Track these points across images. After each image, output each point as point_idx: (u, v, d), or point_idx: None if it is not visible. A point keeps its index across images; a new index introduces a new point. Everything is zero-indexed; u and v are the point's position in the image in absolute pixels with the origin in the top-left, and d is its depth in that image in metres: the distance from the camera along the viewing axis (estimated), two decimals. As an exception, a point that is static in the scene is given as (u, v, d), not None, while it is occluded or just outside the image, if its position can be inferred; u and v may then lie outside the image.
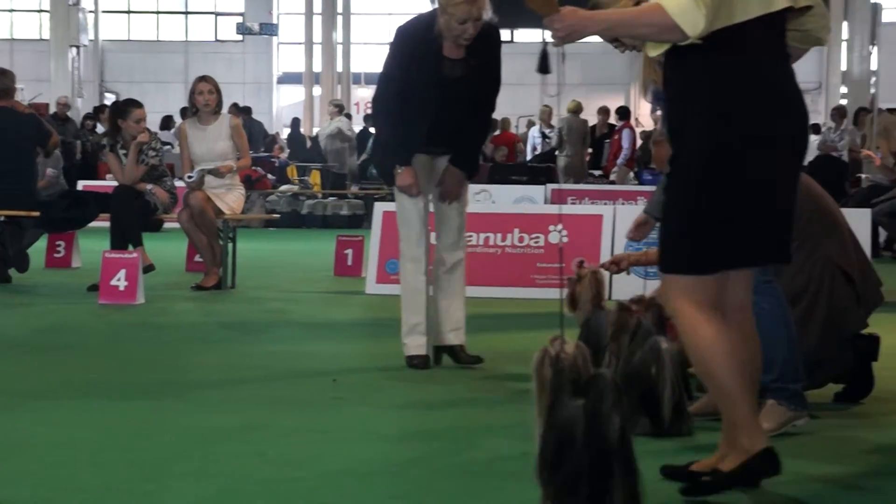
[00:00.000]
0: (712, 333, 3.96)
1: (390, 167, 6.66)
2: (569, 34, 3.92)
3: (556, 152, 20.93)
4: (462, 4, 6.30)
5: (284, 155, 26.66)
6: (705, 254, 3.97)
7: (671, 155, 4.08)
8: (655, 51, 4.00)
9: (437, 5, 6.44)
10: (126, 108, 10.98)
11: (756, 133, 3.92)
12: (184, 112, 25.35)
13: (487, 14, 6.39)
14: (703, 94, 3.93)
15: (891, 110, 19.06)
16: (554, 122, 22.54)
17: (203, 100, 10.72)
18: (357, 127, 26.16)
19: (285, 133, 30.44)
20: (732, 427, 4.04)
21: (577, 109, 21.05)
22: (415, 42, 6.49)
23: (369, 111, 32.37)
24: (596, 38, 4.24)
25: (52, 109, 22.91)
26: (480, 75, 6.56)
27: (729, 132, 3.90)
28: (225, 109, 11.39)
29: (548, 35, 3.98)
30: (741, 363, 4.00)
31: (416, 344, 6.74)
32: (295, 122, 29.40)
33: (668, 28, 3.82)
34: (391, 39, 6.67)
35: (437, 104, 6.50)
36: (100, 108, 24.59)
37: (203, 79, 10.89)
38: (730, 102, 3.91)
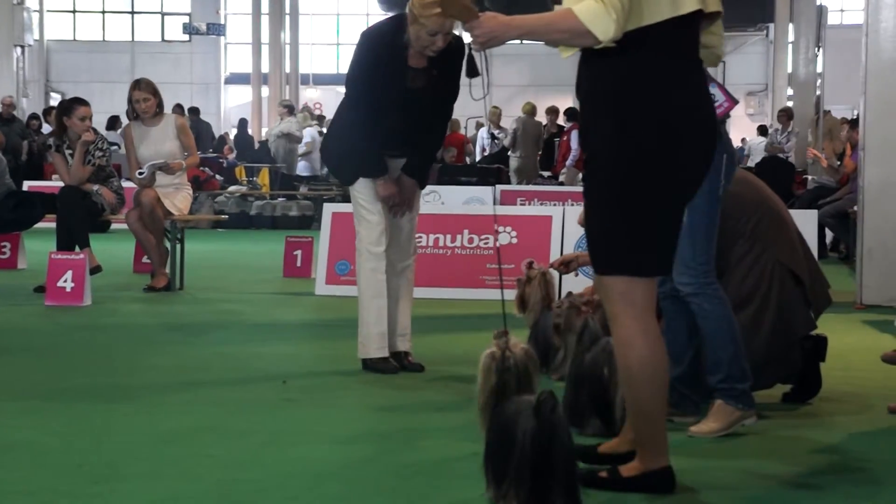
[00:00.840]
0: (644, 353, 4.03)
1: (365, 173, 6.60)
2: (489, 39, 3.99)
3: (509, 153, 20.95)
4: (436, 17, 6.22)
5: (234, 155, 26.56)
6: (643, 257, 4.02)
7: (587, 154, 4.12)
8: (567, 52, 4.05)
9: (407, 11, 6.36)
10: (71, 105, 10.89)
11: (666, 135, 3.97)
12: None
13: (460, 27, 6.36)
14: (613, 95, 3.99)
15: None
16: (504, 123, 22.58)
17: (141, 108, 10.61)
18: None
19: (233, 133, 30.33)
20: (641, 441, 4.12)
21: (531, 111, 21.09)
22: (380, 48, 6.44)
23: (318, 112, 32.32)
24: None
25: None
26: (440, 86, 6.52)
27: (640, 133, 3.95)
28: (168, 109, 11.31)
29: (469, 40, 4.04)
30: (664, 383, 4.10)
31: (377, 346, 6.65)
32: (242, 123, 29.28)
33: (580, 33, 3.88)
34: (357, 43, 6.59)
35: (396, 110, 6.47)
36: (47, 111, 24.39)
37: (137, 86, 10.71)
38: (640, 103, 3.96)
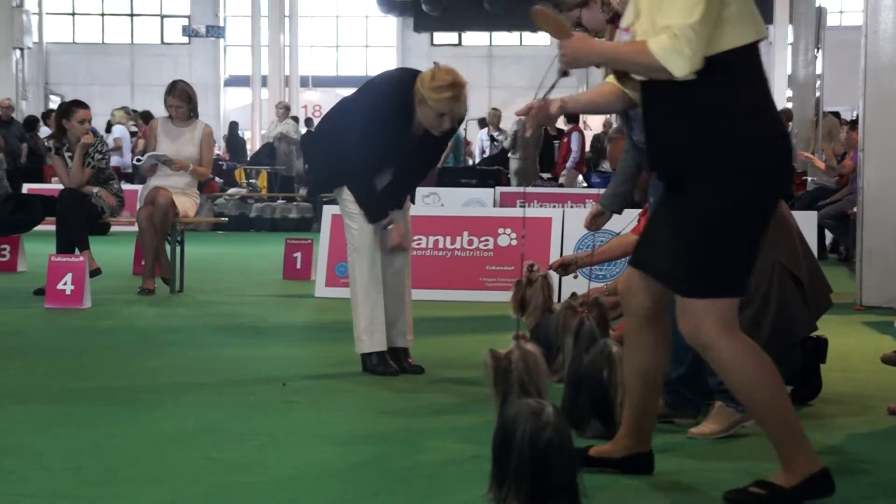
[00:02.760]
0: (758, 365, 4.01)
1: (376, 217, 6.66)
2: (573, 60, 4.07)
3: (509, 154, 20.93)
4: (447, 100, 6.35)
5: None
6: (741, 276, 4.06)
7: (671, 177, 4.11)
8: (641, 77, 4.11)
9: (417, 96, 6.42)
10: (70, 108, 10.89)
11: (768, 155, 4.02)
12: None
13: (465, 110, 6.51)
14: (714, 116, 3.98)
15: (835, 114, 19.23)
16: (502, 124, 22.54)
17: (174, 112, 10.71)
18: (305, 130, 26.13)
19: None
20: (790, 451, 4.03)
21: (533, 112, 21.02)
22: (389, 114, 6.49)
23: (317, 115, 32.34)
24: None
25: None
26: (434, 145, 6.72)
27: (748, 155, 3.97)
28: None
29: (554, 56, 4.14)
30: (783, 383, 4.08)
31: (376, 339, 6.63)
32: (233, 126, 29.24)
33: (655, 69, 3.93)
34: (370, 91, 6.69)
35: (390, 164, 6.64)
36: (46, 114, 24.42)
37: (172, 91, 10.78)
38: (748, 125, 3.99)
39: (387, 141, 6.52)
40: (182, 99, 10.70)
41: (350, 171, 6.65)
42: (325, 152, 6.85)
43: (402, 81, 6.60)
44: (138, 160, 10.56)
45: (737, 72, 3.98)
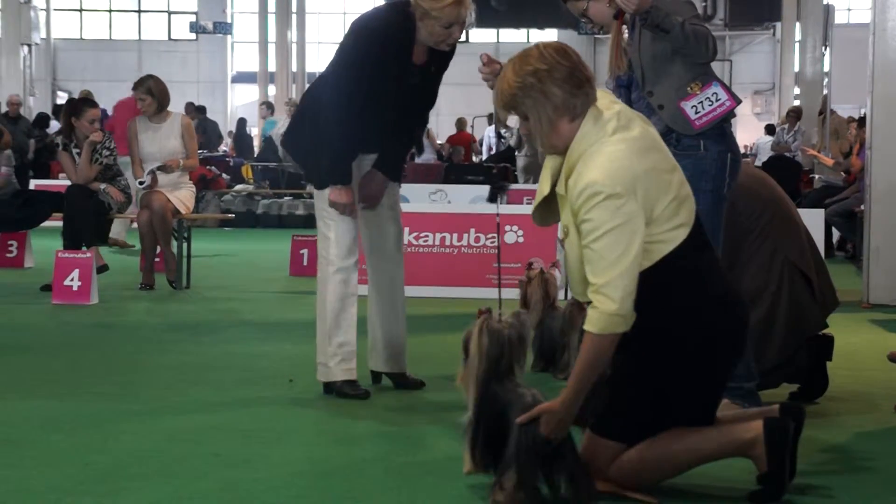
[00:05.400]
0: (649, 451, 4.09)
1: (329, 177, 6.06)
2: (562, 430, 3.92)
3: (517, 152, 20.91)
4: (450, 7, 5.86)
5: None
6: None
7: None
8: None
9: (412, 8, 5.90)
10: (81, 107, 10.91)
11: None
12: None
13: (472, 17, 5.97)
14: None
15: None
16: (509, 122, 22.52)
17: (142, 106, 10.70)
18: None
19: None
20: (734, 449, 4.10)
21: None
22: (385, 47, 5.97)
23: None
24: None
25: (4, 108, 22.73)
26: (431, 84, 6.19)
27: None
28: (177, 107, 11.31)
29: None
30: (672, 436, 4.11)
31: (345, 368, 6.00)
32: (241, 122, 29.26)
33: (614, 340, 3.88)
34: (353, 36, 6.04)
35: (390, 108, 6.07)
36: (57, 109, 24.45)
37: (137, 86, 10.82)
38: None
39: (382, 88, 5.96)
40: (145, 92, 10.69)
41: (331, 127, 6.01)
42: (310, 134, 6.19)
43: (393, 19, 6.00)
44: (141, 183, 10.60)
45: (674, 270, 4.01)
